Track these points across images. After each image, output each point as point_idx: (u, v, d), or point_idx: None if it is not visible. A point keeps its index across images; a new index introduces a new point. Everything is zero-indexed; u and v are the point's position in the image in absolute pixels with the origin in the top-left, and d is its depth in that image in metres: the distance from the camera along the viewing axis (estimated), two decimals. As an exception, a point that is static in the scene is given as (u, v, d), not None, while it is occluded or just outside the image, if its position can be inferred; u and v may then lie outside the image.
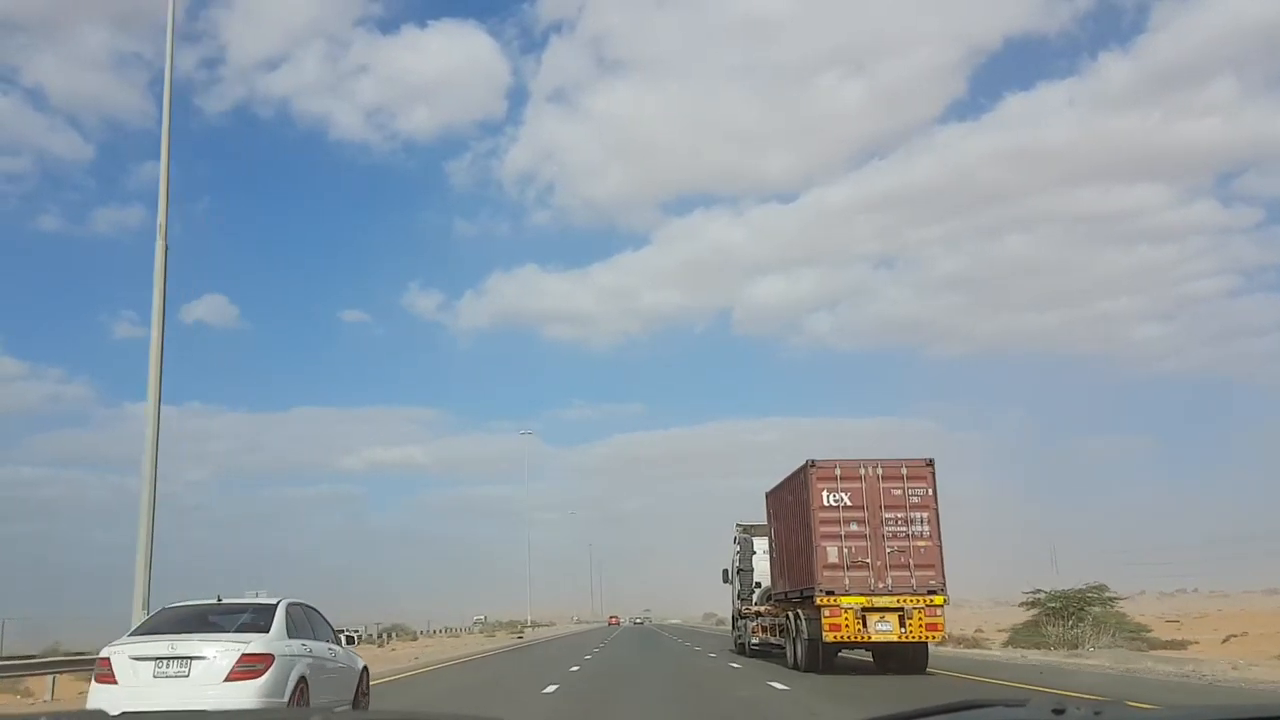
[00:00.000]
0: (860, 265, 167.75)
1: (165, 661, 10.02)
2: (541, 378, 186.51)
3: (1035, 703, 2.24)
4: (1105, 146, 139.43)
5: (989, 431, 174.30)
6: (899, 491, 19.62)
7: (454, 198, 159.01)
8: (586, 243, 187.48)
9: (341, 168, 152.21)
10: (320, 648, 11.59)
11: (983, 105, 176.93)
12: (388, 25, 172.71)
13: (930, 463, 19.91)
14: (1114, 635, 24.37)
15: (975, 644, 28.99)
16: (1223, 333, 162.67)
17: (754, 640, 27.22)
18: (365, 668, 13.38)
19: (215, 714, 7.94)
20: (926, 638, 19.42)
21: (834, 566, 19.41)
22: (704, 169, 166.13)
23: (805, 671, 20.18)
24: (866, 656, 22.17)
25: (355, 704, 12.41)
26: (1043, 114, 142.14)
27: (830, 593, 19.26)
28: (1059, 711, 2.15)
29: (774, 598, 24.83)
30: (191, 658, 10.05)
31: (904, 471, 19.77)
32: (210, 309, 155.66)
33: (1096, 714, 2.15)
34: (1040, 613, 27.00)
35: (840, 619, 19.14)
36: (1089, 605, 27.06)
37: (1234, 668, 18.26)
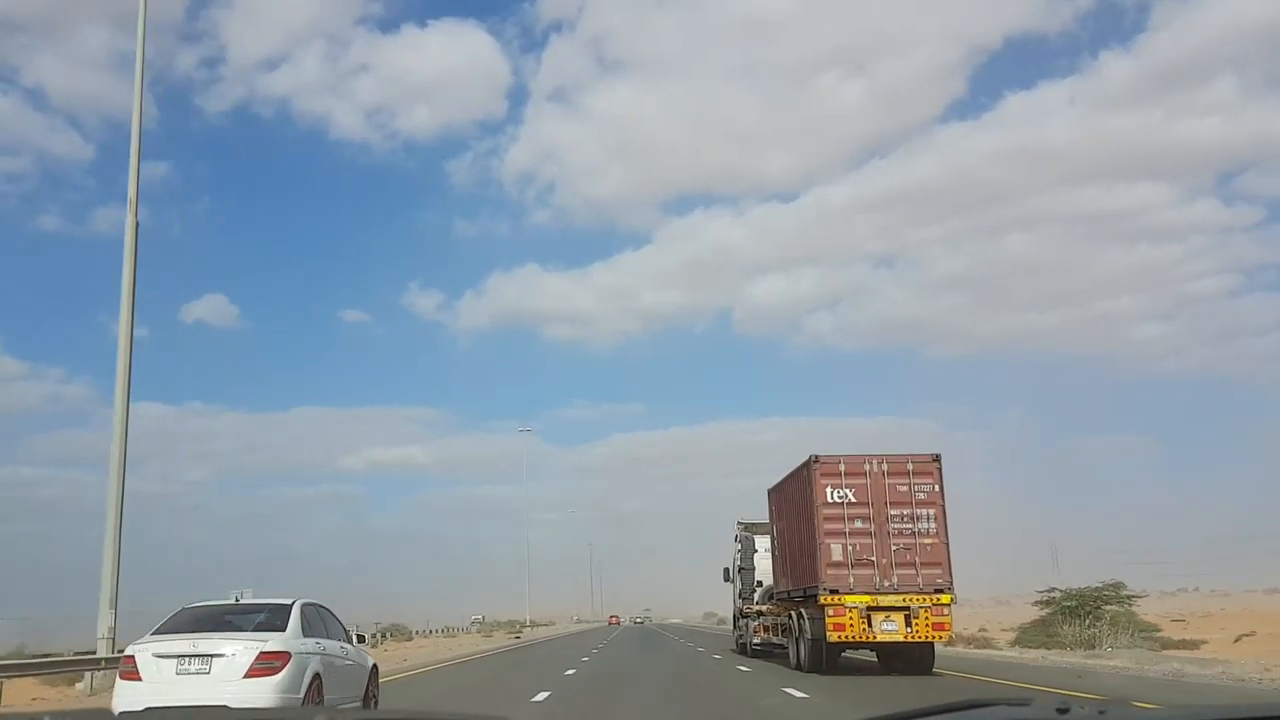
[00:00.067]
0: (860, 265, 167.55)
1: (187, 659, 10.47)
2: (542, 377, 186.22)
3: (1039, 702, 2.21)
4: (1106, 146, 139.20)
5: (989, 431, 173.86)
6: (905, 487, 19.15)
7: (454, 197, 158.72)
8: (587, 242, 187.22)
9: (342, 167, 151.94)
10: (333, 646, 11.98)
11: (983, 105, 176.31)
12: (388, 24, 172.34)
13: (937, 458, 19.44)
14: (1133, 635, 23.85)
15: (985, 644, 28.43)
16: (1223, 332, 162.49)
17: (756, 640, 26.76)
18: (375, 666, 13.86)
19: (221, 711, 8.34)
20: (933, 638, 18.96)
21: (838, 564, 18.95)
22: (704, 169, 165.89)
23: (809, 672, 19.71)
24: (870, 656, 21.74)
25: (365, 700, 12.80)
26: (1043, 113, 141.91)
27: (834, 591, 18.80)
28: (1063, 710, 2.12)
29: (776, 597, 24.36)
30: (212, 655, 10.49)
31: (910, 467, 19.29)
32: (210, 309, 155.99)
33: (1101, 713, 2.13)
34: (1055, 611, 26.40)
35: (845, 618, 18.67)
36: (1105, 604, 26.52)
37: (1266, 669, 17.62)
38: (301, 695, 10.67)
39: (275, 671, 10.48)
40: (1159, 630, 27.49)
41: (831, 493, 19.24)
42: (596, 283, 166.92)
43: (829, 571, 18.92)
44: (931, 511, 19.06)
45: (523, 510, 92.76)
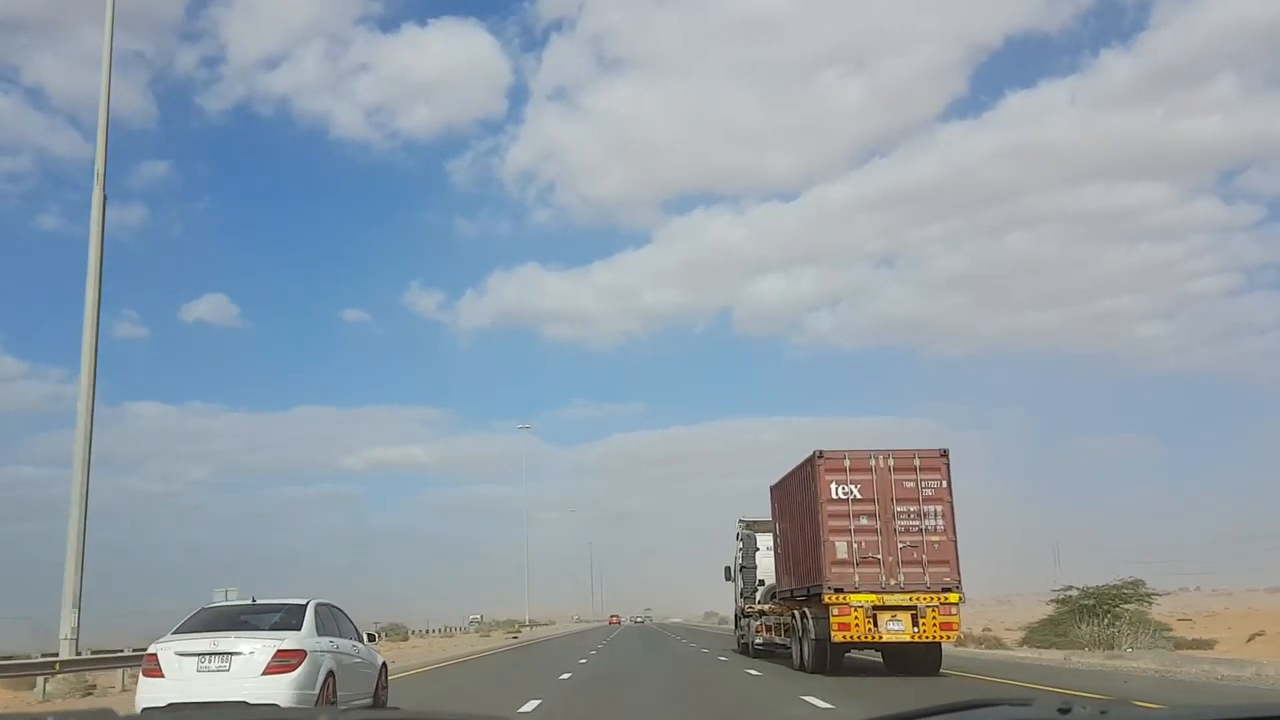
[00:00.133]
0: (861, 264, 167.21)
1: (207, 657, 10.87)
2: (542, 377, 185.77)
3: (1041, 702, 2.19)
4: (1107, 144, 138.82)
5: (990, 431, 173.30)
6: (911, 483, 18.62)
7: (455, 197, 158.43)
8: (587, 242, 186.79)
9: (342, 167, 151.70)
10: (345, 644, 12.37)
11: (984, 103, 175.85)
12: (388, 24, 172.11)
13: (945, 453, 18.92)
14: (1153, 635, 23.23)
15: (996, 644, 27.83)
16: (1224, 331, 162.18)
17: (758, 640, 26.27)
18: (384, 663, 14.28)
19: (239, 707, 9.18)
20: (941, 638, 18.43)
21: (843, 563, 18.43)
22: (705, 168, 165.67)
23: (813, 673, 19.21)
24: (875, 657, 21.24)
25: (375, 697, 13.23)
26: (1044, 112, 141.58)
27: (839, 590, 18.28)
28: (1065, 710, 2.11)
29: (779, 596, 23.85)
30: (231, 653, 10.88)
31: (917, 462, 18.77)
32: (211, 308, 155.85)
33: (1103, 713, 2.12)
34: (1071, 610, 25.77)
35: (849, 618, 18.16)
36: (1124, 602, 25.90)
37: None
38: (316, 692, 11.04)
39: (292, 669, 10.85)
40: (1170, 630, 26.93)
41: (836, 489, 18.73)
42: (597, 282, 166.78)
43: (833, 570, 18.40)
44: (939, 508, 18.54)
45: (523, 510, 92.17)
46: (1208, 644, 24.11)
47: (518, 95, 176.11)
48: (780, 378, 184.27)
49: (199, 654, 10.91)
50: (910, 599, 18.13)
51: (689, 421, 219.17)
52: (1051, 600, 28.39)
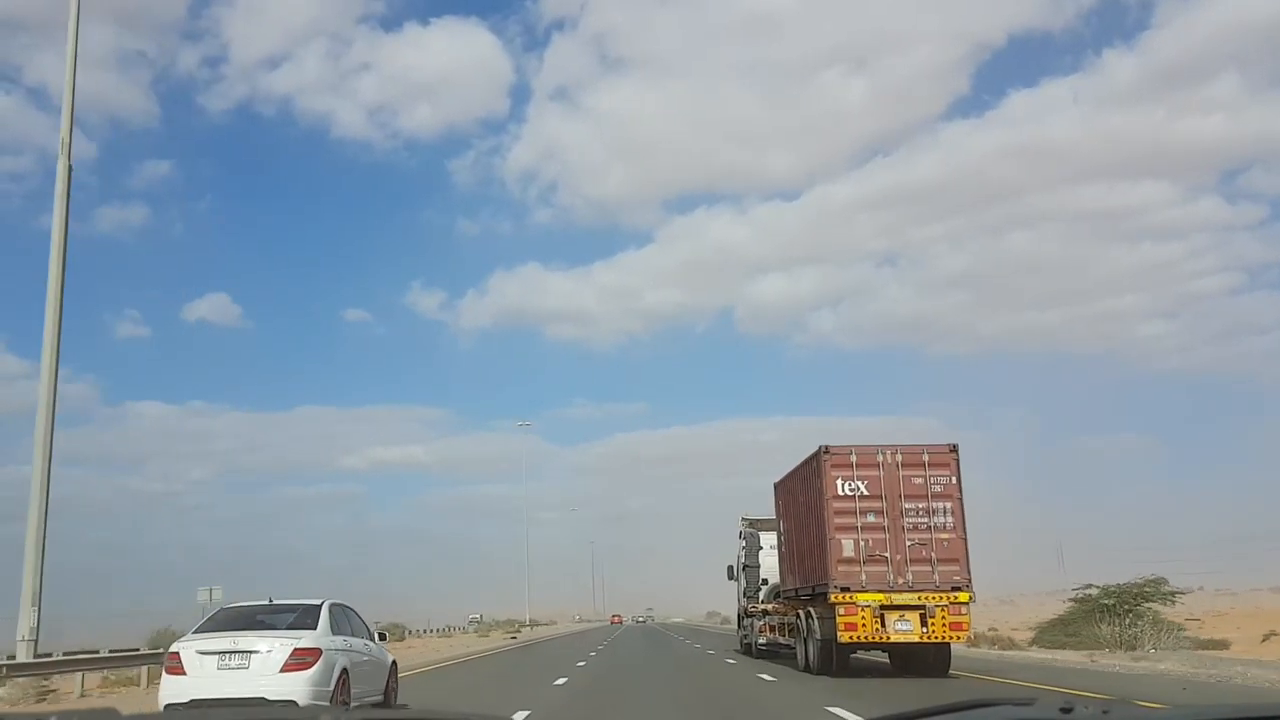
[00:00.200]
0: (863, 263, 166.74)
1: (228, 655, 11.25)
2: (543, 377, 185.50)
3: (1043, 701, 2.16)
4: (1109, 143, 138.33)
5: (991, 430, 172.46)
6: (920, 480, 18.12)
7: (456, 196, 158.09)
8: (589, 241, 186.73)
9: (343, 166, 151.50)
10: (358, 643, 12.76)
11: (986, 102, 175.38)
12: (390, 23, 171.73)
13: (954, 448, 18.40)
14: (1175, 635, 22.61)
15: (1010, 644, 27.21)
16: (1226, 331, 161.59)
17: (761, 640, 25.79)
18: (394, 662, 14.57)
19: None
20: (950, 638, 17.92)
21: (849, 561, 17.92)
22: (706, 167, 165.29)
23: (818, 674, 18.70)
24: (882, 657, 20.73)
25: (385, 694, 13.59)
26: (1046, 111, 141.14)
27: (845, 589, 17.77)
28: (1067, 710, 2.09)
29: (783, 595, 23.35)
30: (250, 652, 11.25)
31: (925, 458, 18.26)
32: (213, 308, 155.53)
33: (1105, 713, 2.11)
34: (1091, 609, 25.14)
35: (856, 618, 17.65)
36: (1146, 601, 25.29)
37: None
38: (331, 688, 11.40)
39: (308, 666, 11.20)
40: (1183, 629, 26.37)
41: (842, 485, 18.22)
42: (598, 282, 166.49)
43: (840, 568, 17.90)
44: (948, 505, 18.03)
45: (523, 509, 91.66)
46: (1222, 644, 23.61)
47: (519, 95, 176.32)
48: (782, 377, 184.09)
49: (219, 652, 11.29)
50: (919, 598, 17.63)
51: (690, 421, 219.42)
52: (1070, 599, 27.70)
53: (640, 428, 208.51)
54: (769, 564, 25.45)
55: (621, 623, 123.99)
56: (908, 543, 17.85)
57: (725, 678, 20.59)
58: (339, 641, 12.06)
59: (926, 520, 17.93)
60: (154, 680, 19.88)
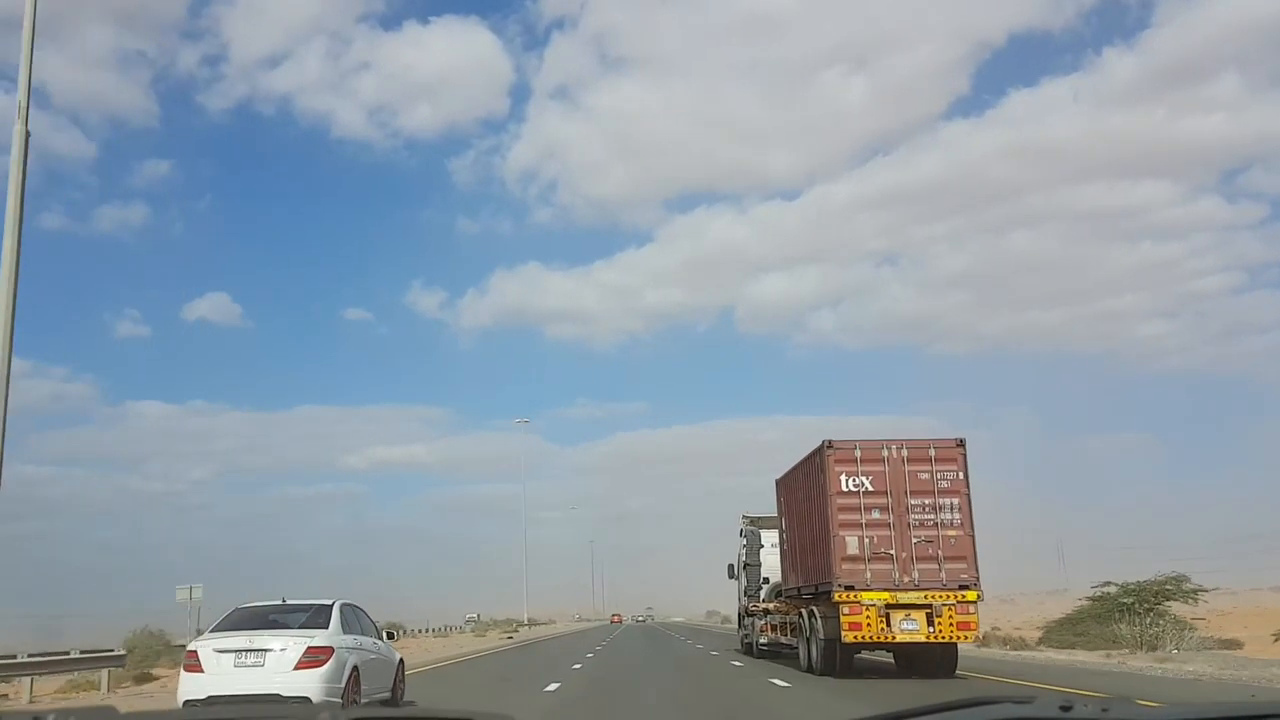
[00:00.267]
0: (863, 263, 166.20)
1: (244, 653, 11.67)
2: (544, 376, 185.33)
3: (1043, 700, 2.14)
4: (1109, 143, 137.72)
5: (992, 430, 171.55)
6: (926, 475, 17.63)
7: (456, 195, 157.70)
8: (589, 241, 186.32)
9: (344, 166, 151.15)
10: (367, 642, 13.20)
11: (986, 101, 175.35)
12: (390, 22, 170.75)
13: (961, 443, 17.92)
14: (1191, 635, 22.06)
15: (1022, 644, 26.64)
16: (1226, 330, 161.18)
17: (763, 640, 25.33)
18: (401, 660, 15.00)
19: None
20: (958, 638, 17.42)
21: (854, 559, 17.43)
22: (707, 166, 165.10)
23: (821, 675, 18.21)
24: (886, 657, 20.26)
25: (393, 691, 13.99)
26: (1047, 110, 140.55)
27: (850, 588, 17.28)
28: (1066, 708, 2.08)
29: (785, 594, 22.87)
30: (265, 650, 11.68)
31: (932, 453, 17.77)
32: (213, 307, 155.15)
33: (1104, 711, 2.10)
34: (1111, 607, 24.58)
35: (861, 617, 17.16)
36: (1168, 599, 24.72)
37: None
38: (343, 685, 11.78)
39: (320, 664, 11.60)
40: (1194, 629, 25.85)
41: (847, 481, 17.74)
42: (599, 281, 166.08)
43: (844, 566, 17.41)
44: (955, 501, 17.55)
45: (523, 508, 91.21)
46: (1234, 644, 23.14)
47: (520, 94, 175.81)
48: (782, 377, 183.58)
49: (236, 650, 11.70)
50: (925, 597, 17.15)
51: (691, 421, 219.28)
52: (1088, 598, 27.09)
53: (641, 427, 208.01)
54: (770, 562, 25.06)
55: (621, 622, 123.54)
56: (914, 540, 17.37)
57: (735, 685, 18.59)
58: (350, 640, 12.47)
59: (933, 517, 17.45)
60: (116, 685, 19.47)
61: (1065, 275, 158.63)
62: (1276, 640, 24.58)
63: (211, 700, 11.12)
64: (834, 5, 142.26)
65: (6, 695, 18.10)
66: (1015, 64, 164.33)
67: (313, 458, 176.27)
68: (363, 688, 12.34)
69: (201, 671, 11.65)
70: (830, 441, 18.07)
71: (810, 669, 19.16)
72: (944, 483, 17.59)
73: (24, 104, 9.83)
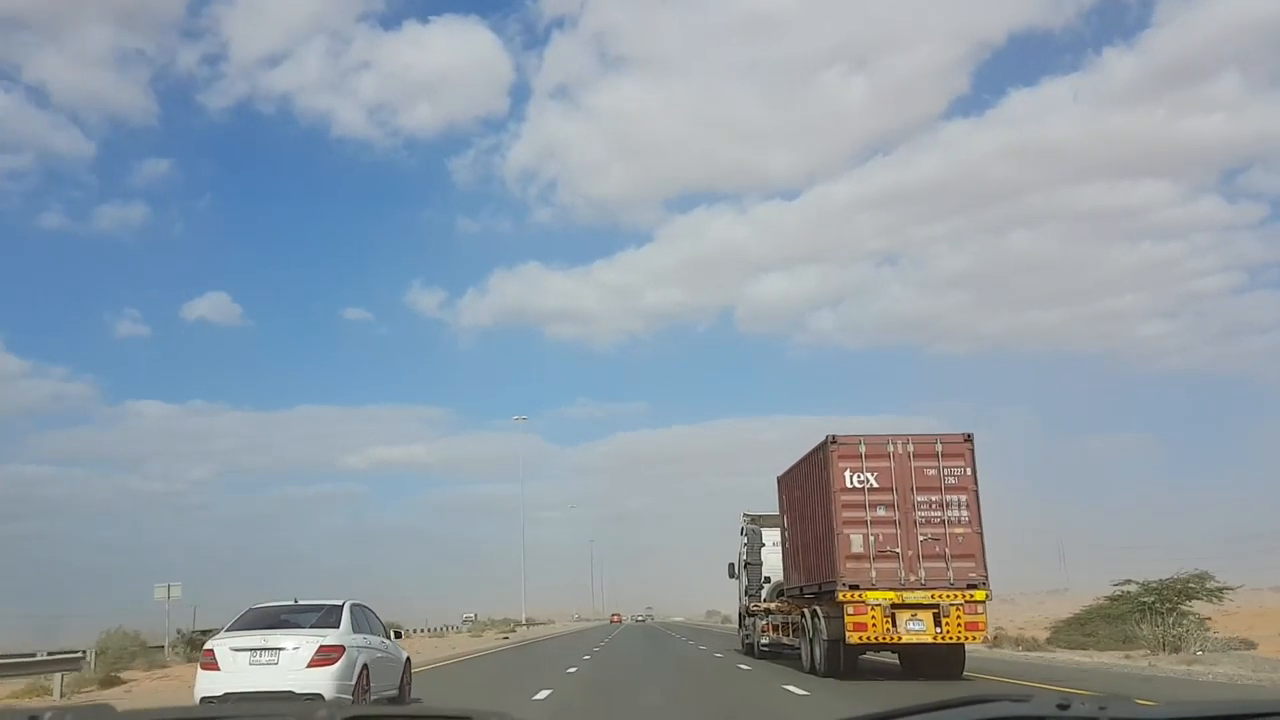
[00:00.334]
0: (863, 263, 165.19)
1: (258, 652, 12.06)
2: (544, 376, 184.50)
3: (1040, 698, 2.09)
4: (1109, 143, 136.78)
5: (992, 430, 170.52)
6: (933, 471, 17.14)
7: (456, 195, 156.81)
8: (589, 240, 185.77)
9: (343, 165, 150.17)
10: (376, 641, 13.60)
11: (986, 101, 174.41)
12: (390, 21, 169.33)
13: (969, 438, 17.42)
14: (1206, 635, 21.57)
15: (1035, 645, 26.10)
16: (1226, 330, 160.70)
17: (764, 640, 24.85)
18: (408, 658, 15.37)
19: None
20: (965, 638, 16.93)
21: (858, 557, 16.94)
22: (707, 166, 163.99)
23: (825, 676, 17.72)
24: (891, 658, 19.77)
25: (401, 688, 14.39)
26: (1047, 110, 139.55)
27: (854, 587, 16.80)
28: (1064, 707, 2.04)
29: (787, 593, 22.40)
30: (279, 649, 12.05)
31: (939, 448, 17.27)
32: (213, 306, 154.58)
33: (1102, 709, 2.06)
34: (1133, 607, 24.05)
35: (866, 617, 16.67)
36: (1191, 598, 24.18)
37: None
38: (354, 682, 12.16)
39: (332, 662, 11.98)
40: (1208, 629, 25.36)
41: (851, 477, 17.24)
42: (599, 281, 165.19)
43: (848, 565, 16.93)
44: (963, 498, 17.06)
45: (521, 507, 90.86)
46: (1248, 644, 22.68)
47: (519, 93, 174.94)
48: (782, 377, 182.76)
49: (251, 649, 12.07)
50: (932, 596, 16.66)
51: (691, 420, 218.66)
52: (1109, 596, 26.53)
53: (641, 427, 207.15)
54: (772, 561, 24.60)
55: (621, 622, 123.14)
56: (920, 538, 16.89)
57: (745, 691, 17.11)
58: (360, 639, 12.84)
59: (940, 514, 16.97)
60: (79, 688, 18.81)
61: (1065, 275, 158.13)
62: (1291, 640, 24.11)
63: (227, 696, 11.44)
64: (834, 5, 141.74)
65: None
66: (1015, 64, 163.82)
67: (313, 458, 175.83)
68: (372, 685, 12.74)
69: (218, 669, 12.01)
70: (834, 436, 17.58)
71: (813, 670, 18.67)
72: (951, 479, 17.11)
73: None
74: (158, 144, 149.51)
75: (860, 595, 16.73)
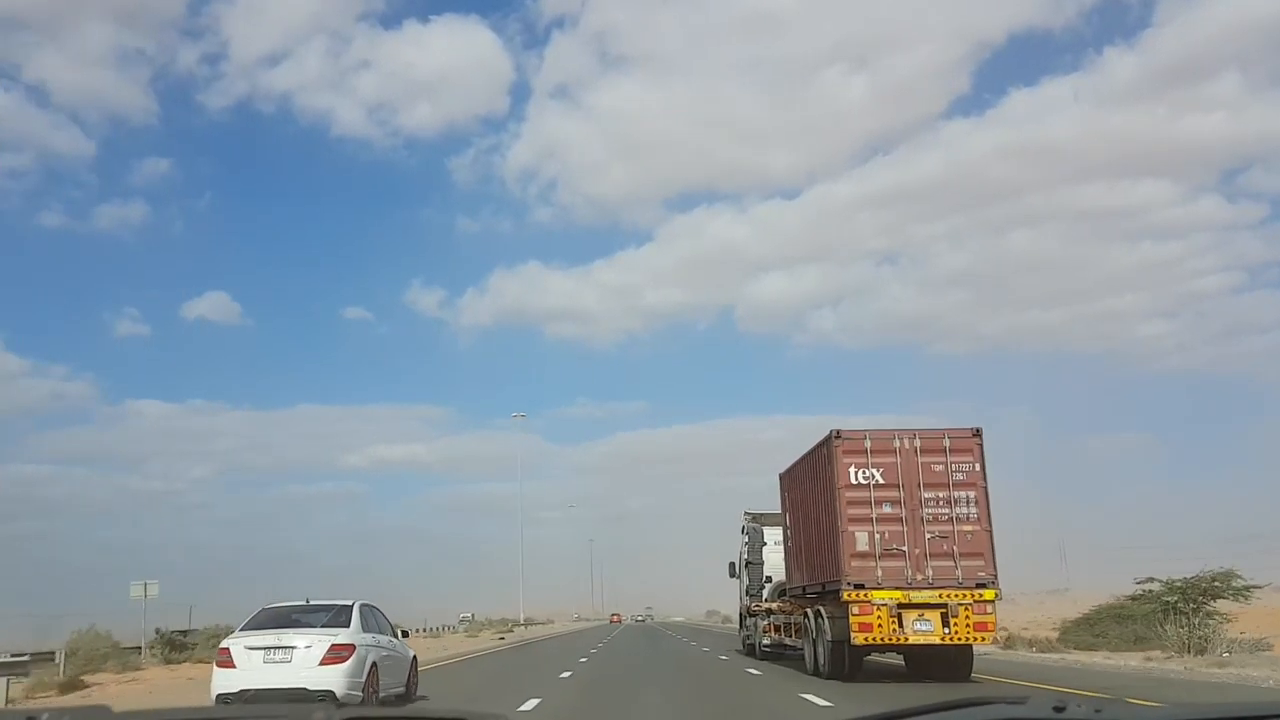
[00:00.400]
0: (864, 262, 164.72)
1: (272, 650, 12.45)
2: (544, 376, 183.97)
3: (1036, 700, 2.17)
4: (1110, 142, 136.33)
5: (993, 429, 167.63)
6: (940, 467, 16.62)
7: (456, 194, 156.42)
8: (589, 240, 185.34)
9: (343, 164, 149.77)
10: (384, 640, 14.00)
11: (987, 101, 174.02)
12: (390, 20, 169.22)
13: (977, 432, 16.91)
14: (1226, 636, 21.02)
15: (1049, 646, 25.47)
16: (1226, 330, 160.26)
17: (765, 641, 24.33)
18: (415, 656, 15.76)
19: (298, 695, 11.52)
20: (974, 639, 16.41)
21: (864, 555, 16.43)
22: (707, 165, 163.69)
23: (829, 678, 17.19)
24: (896, 659, 19.25)
25: (407, 686, 14.73)
26: (1047, 110, 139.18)
27: (860, 586, 16.28)
28: (1060, 709, 2.09)
29: (789, 593, 21.88)
30: (292, 647, 12.43)
31: (946, 443, 16.76)
32: (213, 306, 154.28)
33: (1098, 711, 2.10)
34: (1156, 607, 23.46)
35: (872, 617, 16.15)
36: (1217, 597, 23.60)
37: None
38: (363, 679, 12.53)
39: (343, 660, 12.35)
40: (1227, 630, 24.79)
41: (856, 473, 16.72)
42: (599, 280, 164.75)
43: (853, 564, 16.41)
44: (971, 494, 16.54)
45: (524, 508, 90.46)
46: (1267, 645, 22.15)
47: (520, 93, 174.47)
48: (782, 376, 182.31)
49: (265, 647, 12.45)
50: (940, 596, 16.15)
51: (691, 420, 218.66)
52: (1131, 595, 25.93)
53: (641, 427, 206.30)
54: (773, 560, 24.13)
55: (620, 622, 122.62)
56: (927, 535, 16.37)
57: (757, 702, 14.92)
58: (369, 638, 13.23)
59: (948, 511, 16.45)
60: (32, 694, 18.11)
61: (1065, 275, 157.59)
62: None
63: (243, 693, 11.77)
64: (834, 4, 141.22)
65: None
66: (1015, 63, 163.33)
67: (313, 457, 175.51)
68: (381, 682, 13.14)
69: (234, 667, 12.35)
70: (838, 431, 17.06)
71: (817, 672, 18.15)
72: (959, 475, 16.59)
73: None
74: (158, 143, 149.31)
75: (865, 595, 16.23)
